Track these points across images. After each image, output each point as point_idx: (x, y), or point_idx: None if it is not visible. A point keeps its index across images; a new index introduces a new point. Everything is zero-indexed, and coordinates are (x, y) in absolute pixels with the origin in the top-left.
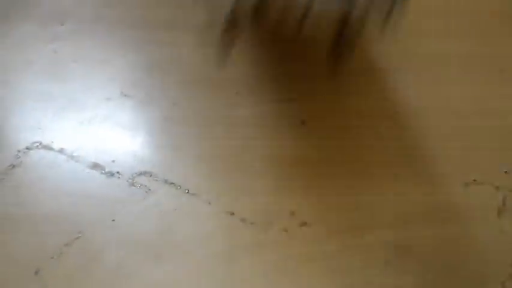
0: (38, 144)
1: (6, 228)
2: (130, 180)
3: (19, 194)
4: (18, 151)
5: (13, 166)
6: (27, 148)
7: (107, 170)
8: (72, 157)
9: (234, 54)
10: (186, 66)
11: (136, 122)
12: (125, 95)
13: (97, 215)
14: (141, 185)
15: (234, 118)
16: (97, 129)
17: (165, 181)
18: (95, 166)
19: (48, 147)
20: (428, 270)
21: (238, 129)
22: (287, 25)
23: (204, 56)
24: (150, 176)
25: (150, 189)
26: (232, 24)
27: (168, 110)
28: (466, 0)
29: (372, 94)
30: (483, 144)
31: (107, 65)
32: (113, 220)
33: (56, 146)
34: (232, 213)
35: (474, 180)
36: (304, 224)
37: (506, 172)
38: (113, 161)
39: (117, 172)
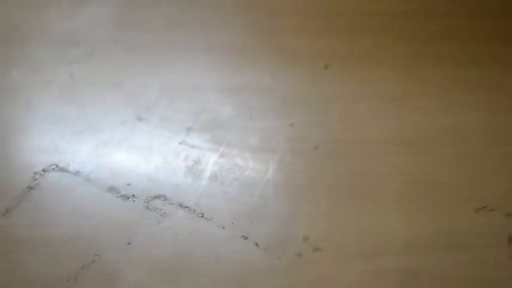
0: (54, 166)
1: (23, 250)
2: (145, 204)
3: (36, 216)
4: (35, 173)
5: (30, 188)
6: (44, 170)
7: (122, 193)
8: (88, 180)
9: (247, 80)
10: (202, 91)
11: (151, 145)
12: (140, 119)
13: (113, 238)
14: (156, 208)
15: (247, 143)
16: (112, 152)
17: (180, 205)
18: (111, 189)
19: (64, 170)
20: None
21: (251, 154)
22: None
23: (218, 80)
24: (165, 199)
25: (165, 213)
26: None
27: (183, 134)
28: (480, 27)
29: (384, 120)
30: (494, 171)
31: (122, 89)
32: (129, 243)
33: (72, 168)
34: (246, 238)
35: (484, 206)
36: (317, 249)
37: None
38: (128, 184)
39: (133, 195)
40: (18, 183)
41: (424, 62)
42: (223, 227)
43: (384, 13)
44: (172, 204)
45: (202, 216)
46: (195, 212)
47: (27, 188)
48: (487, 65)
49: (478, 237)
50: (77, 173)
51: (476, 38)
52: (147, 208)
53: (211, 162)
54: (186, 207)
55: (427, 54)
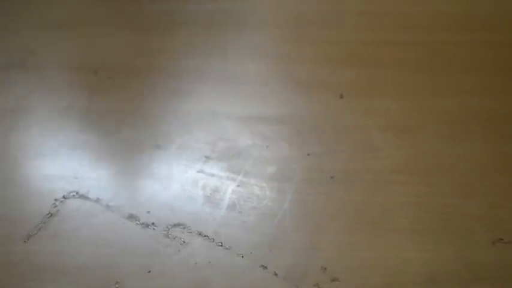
0: (74, 193)
1: (43, 277)
2: (165, 232)
3: (56, 243)
4: (56, 200)
5: (51, 215)
6: (64, 197)
7: (142, 221)
8: (108, 207)
9: (263, 109)
10: (218, 120)
11: (170, 173)
12: (158, 147)
13: (134, 266)
14: (176, 236)
15: (264, 172)
16: (132, 180)
17: (199, 233)
18: (131, 217)
19: (84, 197)
20: None
21: (268, 184)
22: None
23: (235, 109)
24: (184, 228)
25: (184, 241)
26: None
27: (201, 162)
28: (488, 58)
29: (399, 150)
30: (510, 203)
31: (140, 116)
32: (149, 271)
33: (92, 195)
34: (265, 267)
35: (501, 239)
36: (335, 279)
37: None
38: (148, 212)
39: (152, 223)
40: (39, 210)
41: (439, 92)
42: (242, 256)
43: (399, 43)
44: (191, 232)
45: (222, 245)
46: (214, 240)
47: (48, 214)
48: (500, 95)
49: (495, 270)
50: (97, 200)
51: (489, 68)
52: (167, 236)
53: (229, 191)
54: (205, 236)
55: (441, 85)
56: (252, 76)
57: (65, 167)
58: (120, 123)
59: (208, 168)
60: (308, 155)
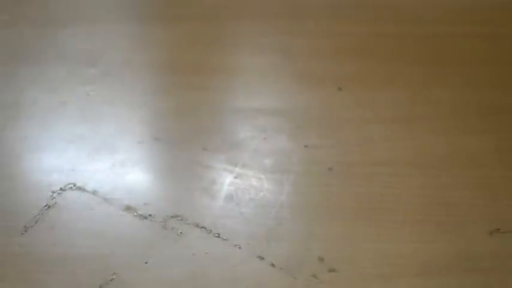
0: (72, 185)
1: (41, 268)
2: (162, 223)
3: (54, 234)
4: (53, 192)
5: (48, 207)
6: (62, 189)
7: (139, 212)
8: (105, 199)
9: (261, 101)
10: (216, 112)
11: (167, 165)
12: (156, 139)
13: (131, 257)
14: (173, 228)
15: (262, 164)
16: (129, 171)
17: (196, 225)
18: (128, 208)
19: (82, 189)
20: None
21: (266, 176)
22: None
23: (232, 102)
24: (182, 219)
25: (181, 233)
26: None
27: (198, 154)
28: (486, 50)
29: (397, 142)
30: (507, 194)
31: (138, 109)
32: (146, 262)
33: (89, 187)
34: (262, 258)
35: (498, 229)
36: (332, 270)
37: None
38: (145, 204)
39: (150, 215)
40: (37, 202)
41: (437, 84)
42: (239, 247)
43: (397, 36)
44: (188, 224)
45: (219, 236)
46: (211, 232)
47: (45, 206)
48: (499, 86)
49: (491, 260)
50: (94, 192)
51: (488, 60)
52: (164, 228)
53: (226, 182)
54: (203, 227)
55: (439, 76)
56: (250, 69)
57: (62, 159)
58: (118, 115)
59: (205, 160)
60: (306, 146)
